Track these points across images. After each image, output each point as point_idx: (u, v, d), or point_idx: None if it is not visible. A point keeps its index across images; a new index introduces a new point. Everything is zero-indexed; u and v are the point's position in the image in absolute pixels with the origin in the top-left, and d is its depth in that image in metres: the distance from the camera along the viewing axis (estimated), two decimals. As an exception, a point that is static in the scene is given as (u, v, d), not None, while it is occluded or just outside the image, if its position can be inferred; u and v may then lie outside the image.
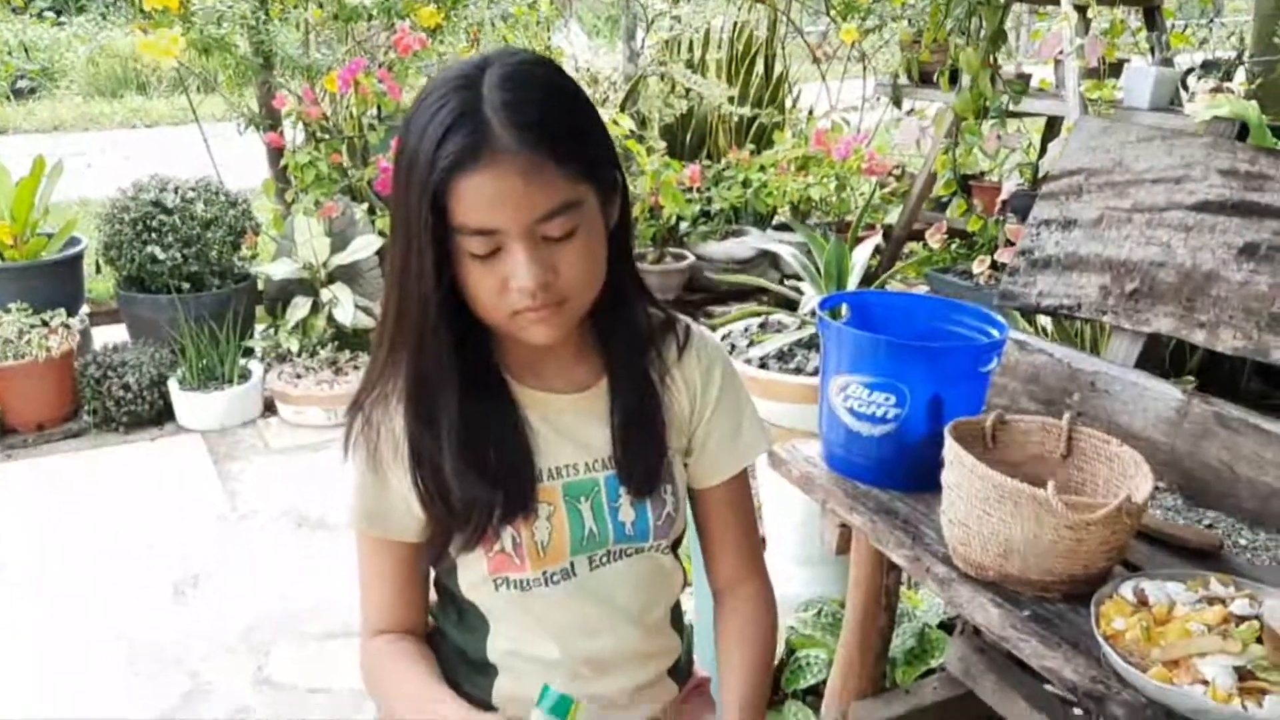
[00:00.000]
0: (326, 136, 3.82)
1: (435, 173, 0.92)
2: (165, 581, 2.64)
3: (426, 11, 3.93)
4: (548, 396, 1.10)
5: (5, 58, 8.62)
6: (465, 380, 1.03)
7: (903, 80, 4.77)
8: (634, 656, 1.16)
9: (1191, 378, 2.44)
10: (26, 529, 2.89)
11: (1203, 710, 1.06)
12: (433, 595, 1.19)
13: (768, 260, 4.58)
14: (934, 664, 1.96)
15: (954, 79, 3.88)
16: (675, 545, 1.18)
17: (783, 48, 5.38)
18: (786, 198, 4.53)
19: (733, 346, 2.75)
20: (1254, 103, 2.88)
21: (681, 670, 1.25)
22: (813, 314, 2.19)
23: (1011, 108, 3.65)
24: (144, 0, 3.49)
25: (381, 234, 3.78)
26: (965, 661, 1.77)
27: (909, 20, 4.86)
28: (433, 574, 1.17)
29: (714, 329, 2.89)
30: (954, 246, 4.35)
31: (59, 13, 9.47)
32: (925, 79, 4.66)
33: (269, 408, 3.60)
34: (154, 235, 3.53)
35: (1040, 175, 3.70)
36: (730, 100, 4.76)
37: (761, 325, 2.86)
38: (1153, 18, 4.11)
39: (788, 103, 5.29)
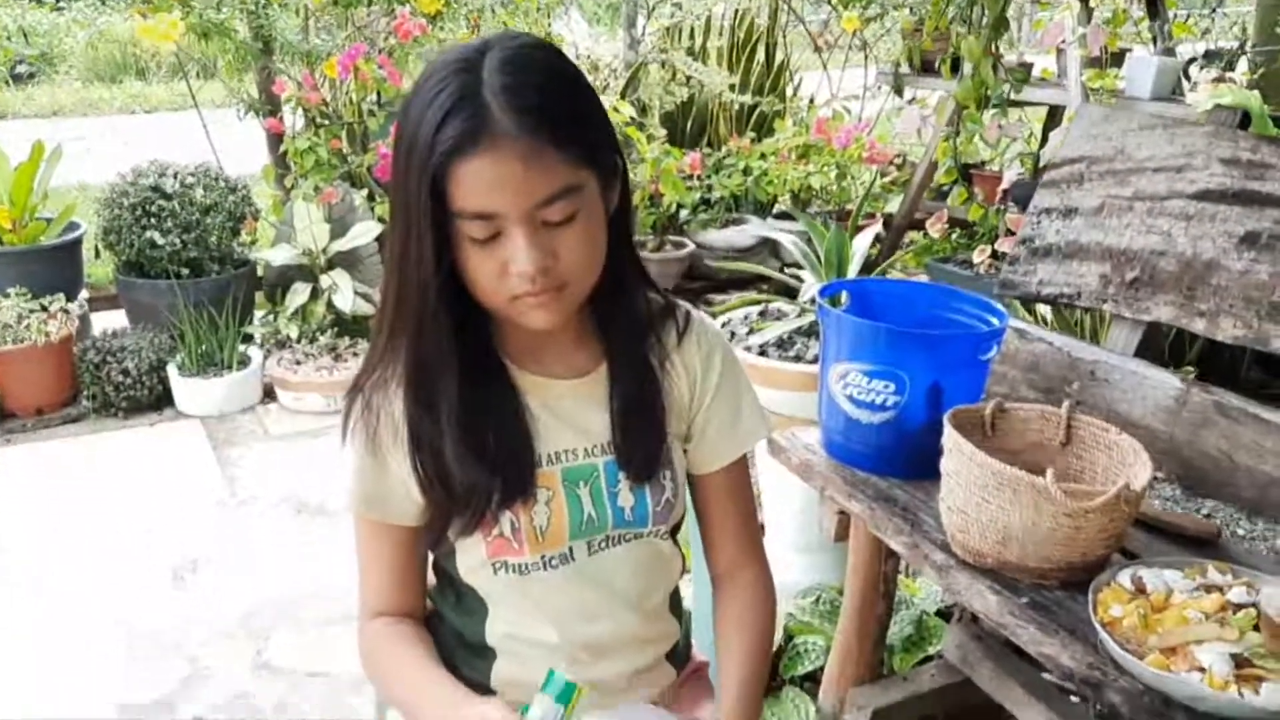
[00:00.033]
0: (326, 122, 3.81)
1: (435, 156, 0.91)
2: (164, 567, 2.64)
3: (427, -3, 3.92)
4: (547, 382, 1.10)
5: (4, 42, 8.60)
6: (465, 365, 1.03)
7: (904, 69, 4.75)
8: (632, 641, 1.16)
9: (1191, 367, 2.44)
10: (25, 514, 2.89)
11: (1199, 697, 1.06)
12: (431, 578, 1.20)
13: (768, 248, 4.58)
14: (932, 651, 1.97)
15: (955, 68, 3.87)
16: (674, 531, 1.18)
17: (784, 35, 5.36)
18: (787, 186, 4.52)
19: (733, 334, 2.75)
20: (1256, 92, 2.87)
21: (680, 655, 1.25)
22: (812, 302, 2.19)
23: (1013, 97, 3.64)
24: (143, -15, 3.49)
25: (381, 220, 3.78)
26: (963, 649, 1.77)
27: (910, 9, 4.83)
28: (431, 557, 1.17)
29: (714, 316, 2.88)
30: (954, 235, 4.34)
31: (58, -3, 9.46)
32: (927, 68, 4.64)
33: (268, 394, 3.60)
34: (153, 220, 3.52)
35: (1041, 165, 3.69)
36: (731, 88, 4.75)
37: (761, 313, 2.86)
38: (1155, 7, 4.09)
39: (789, 91, 5.27)
